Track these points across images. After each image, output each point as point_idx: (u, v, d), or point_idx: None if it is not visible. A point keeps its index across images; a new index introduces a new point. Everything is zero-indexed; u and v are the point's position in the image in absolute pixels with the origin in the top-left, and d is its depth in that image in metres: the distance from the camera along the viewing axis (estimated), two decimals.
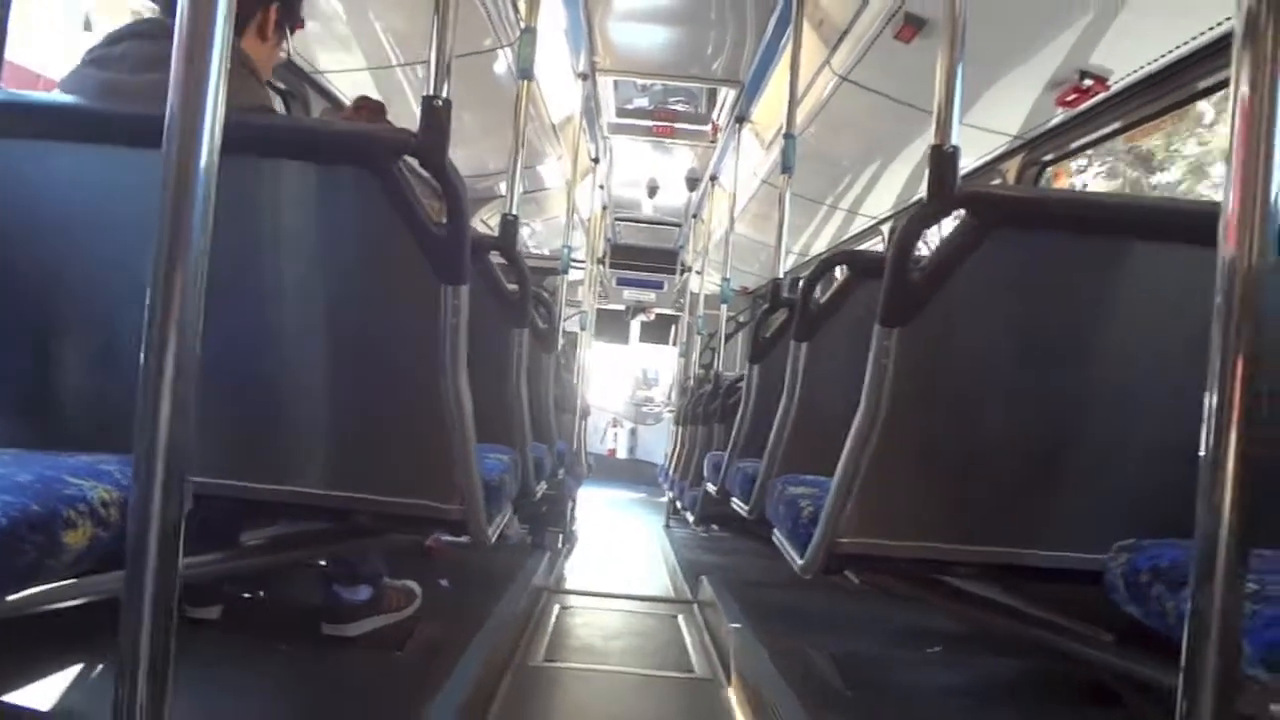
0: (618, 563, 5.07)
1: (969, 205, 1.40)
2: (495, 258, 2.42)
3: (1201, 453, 0.80)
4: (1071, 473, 1.54)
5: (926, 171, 1.41)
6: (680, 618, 3.35)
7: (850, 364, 1.66)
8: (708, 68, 5.28)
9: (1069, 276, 1.46)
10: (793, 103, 3.43)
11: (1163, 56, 2.65)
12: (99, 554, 1.02)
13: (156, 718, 0.82)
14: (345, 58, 3.93)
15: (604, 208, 7.69)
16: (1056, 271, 1.45)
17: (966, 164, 1.40)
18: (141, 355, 0.80)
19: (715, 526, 4.77)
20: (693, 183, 7.62)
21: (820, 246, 6.65)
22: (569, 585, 4.07)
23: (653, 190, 8.15)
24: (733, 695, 2.41)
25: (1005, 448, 1.53)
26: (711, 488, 3.42)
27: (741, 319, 9.39)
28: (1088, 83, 2.97)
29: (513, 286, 2.36)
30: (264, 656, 1.93)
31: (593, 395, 8.04)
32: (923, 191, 1.43)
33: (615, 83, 5.93)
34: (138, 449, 0.80)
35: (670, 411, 9.40)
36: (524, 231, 7.22)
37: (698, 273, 7.90)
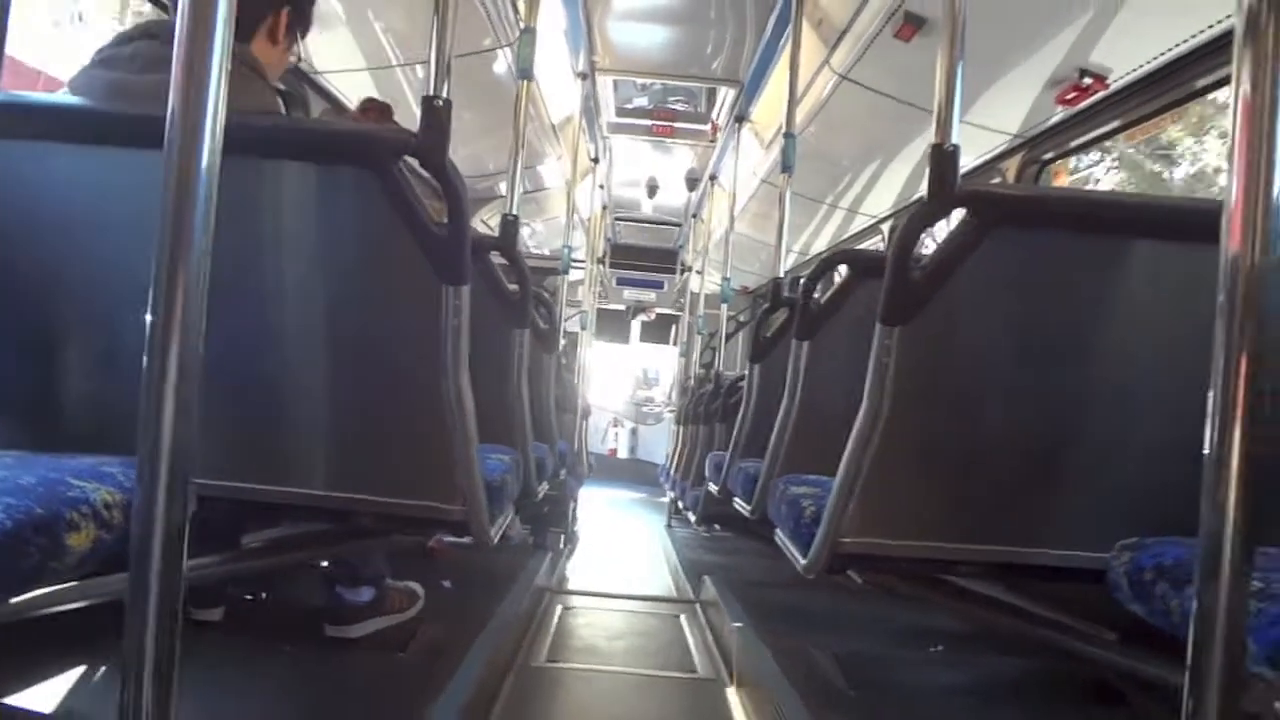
0: (620, 563, 5.07)
1: (970, 204, 1.40)
2: (496, 258, 2.42)
3: (1205, 450, 0.80)
4: (1073, 471, 1.53)
5: (927, 170, 1.41)
6: (683, 618, 3.35)
7: (851, 363, 1.66)
8: (707, 67, 5.28)
9: (1070, 275, 1.46)
10: (792, 102, 3.43)
11: (1162, 55, 2.65)
12: (102, 556, 1.02)
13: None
14: (344, 58, 3.93)
15: (604, 207, 7.69)
16: (1057, 270, 1.45)
17: (966, 162, 1.40)
18: (144, 357, 0.80)
19: (717, 526, 4.77)
20: (692, 182, 7.62)
21: (820, 245, 6.64)
22: (571, 586, 4.07)
23: (652, 190, 8.14)
24: (736, 695, 2.41)
25: (1007, 446, 1.53)
26: (713, 487, 3.42)
27: (742, 318, 9.39)
28: (1087, 81, 2.97)
29: (513, 287, 2.35)
30: (267, 658, 1.93)
31: (593, 395, 8.04)
32: (922, 190, 1.43)
33: (615, 82, 5.93)
34: (141, 451, 0.80)
35: (671, 411, 9.39)
36: (524, 232, 7.22)
37: (698, 272, 7.90)
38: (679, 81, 5.94)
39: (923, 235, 1.47)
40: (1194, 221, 1.37)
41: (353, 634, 2.13)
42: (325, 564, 2.15)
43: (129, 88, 1.45)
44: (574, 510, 5.26)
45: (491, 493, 1.63)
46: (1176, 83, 2.69)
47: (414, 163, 1.40)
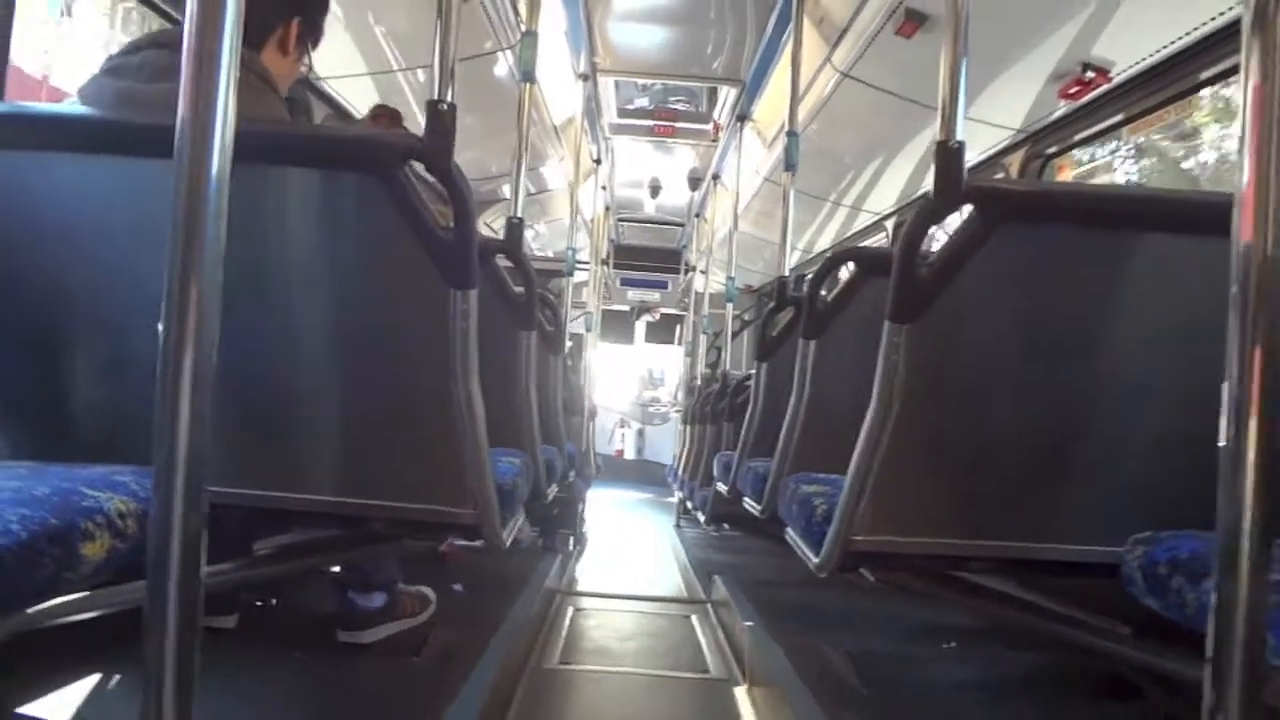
0: (629, 564, 5.07)
1: (976, 200, 1.39)
2: (501, 261, 2.42)
3: (1221, 443, 0.80)
4: (1084, 466, 1.53)
5: (931, 167, 1.41)
6: (694, 618, 3.35)
7: (858, 361, 1.66)
8: (708, 67, 5.28)
9: (1077, 269, 1.45)
10: (795, 100, 3.43)
11: (1165, 47, 2.65)
12: (116, 565, 1.02)
13: None
14: (346, 63, 3.93)
15: (607, 208, 7.69)
16: (1065, 265, 1.45)
17: (969, 158, 1.40)
18: (158, 366, 0.80)
19: (726, 526, 4.76)
20: (695, 182, 7.62)
21: (824, 243, 6.64)
22: (581, 587, 4.07)
23: (655, 190, 8.15)
24: (748, 694, 2.40)
25: (1018, 442, 1.53)
26: (722, 487, 3.42)
27: (746, 317, 9.40)
28: (1090, 75, 2.97)
29: (518, 289, 2.36)
30: (280, 665, 1.94)
31: (599, 396, 8.04)
32: (926, 186, 1.42)
33: (616, 83, 5.93)
34: (157, 459, 0.80)
35: (677, 411, 9.40)
36: (528, 234, 7.22)
37: (702, 272, 7.91)
38: (680, 81, 5.94)
39: (929, 232, 1.46)
40: (1203, 214, 1.37)
41: (365, 639, 2.13)
42: (336, 569, 2.15)
43: (138, 96, 1.46)
44: (582, 512, 5.26)
45: (503, 496, 1.63)
46: (1180, 75, 2.69)
47: (419, 167, 1.40)
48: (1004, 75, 3.20)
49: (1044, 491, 1.54)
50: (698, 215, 8.11)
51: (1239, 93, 0.82)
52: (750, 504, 2.70)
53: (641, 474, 10.11)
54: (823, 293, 2.37)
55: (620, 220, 9.34)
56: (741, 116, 5.46)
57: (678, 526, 6.07)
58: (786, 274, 3.15)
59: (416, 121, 3.58)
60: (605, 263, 8.36)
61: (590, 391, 6.07)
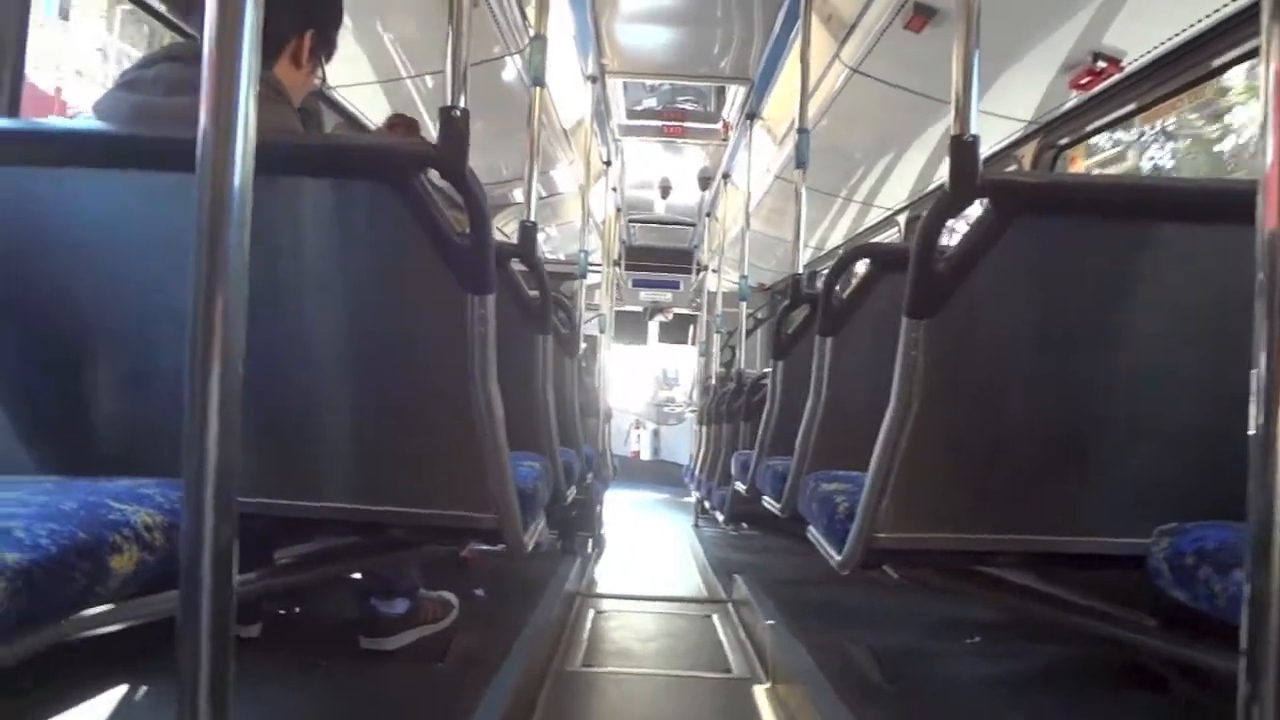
0: (648, 564, 5.07)
1: (992, 194, 1.39)
2: (515, 265, 2.42)
3: (1251, 432, 0.79)
4: (1107, 458, 1.52)
5: (944, 161, 1.40)
6: (715, 617, 3.34)
7: (875, 358, 1.66)
8: (716, 66, 5.28)
9: (1095, 261, 1.45)
10: (804, 97, 3.43)
11: (1177, 35, 2.63)
12: (145, 578, 1.03)
13: None
14: (355, 72, 3.95)
15: (618, 210, 7.69)
16: (1082, 256, 1.45)
17: (981, 151, 1.40)
18: (186, 378, 0.81)
19: (745, 525, 4.76)
20: (705, 181, 7.61)
21: (836, 239, 6.63)
22: (601, 589, 4.07)
23: (665, 190, 8.15)
24: (772, 693, 2.40)
25: (1039, 435, 1.52)
26: (741, 486, 3.42)
27: (760, 315, 9.38)
28: (1101, 64, 2.95)
29: (533, 293, 2.36)
30: (304, 673, 1.94)
31: (614, 398, 8.05)
32: (937, 181, 1.43)
33: (624, 85, 5.94)
34: (187, 471, 0.81)
35: (692, 411, 9.39)
36: (539, 237, 7.23)
37: (714, 271, 7.90)
38: (689, 81, 5.94)
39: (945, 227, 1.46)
40: (1223, 202, 1.36)
41: (388, 646, 2.13)
42: (358, 576, 2.15)
43: (154, 110, 1.47)
44: (600, 514, 5.26)
45: (524, 500, 1.63)
46: (1194, 62, 2.67)
47: (432, 174, 1.40)
48: (1015, 67, 3.19)
49: (1067, 484, 1.53)
50: (709, 214, 8.10)
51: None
52: (770, 503, 2.70)
53: (658, 474, 10.10)
54: (837, 289, 2.37)
55: (631, 221, 9.34)
56: (751, 115, 5.45)
57: (696, 526, 6.07)
58: (801, 272, 3.14)
59: (427, 127, 3.60)
60: (617, 264, 8.37)
61: (605, 393, 6.07)
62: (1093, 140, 3.56)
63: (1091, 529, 1.53)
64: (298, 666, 1.97)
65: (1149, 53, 2.77)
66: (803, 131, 3.38)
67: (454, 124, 1.45)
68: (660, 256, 10.04)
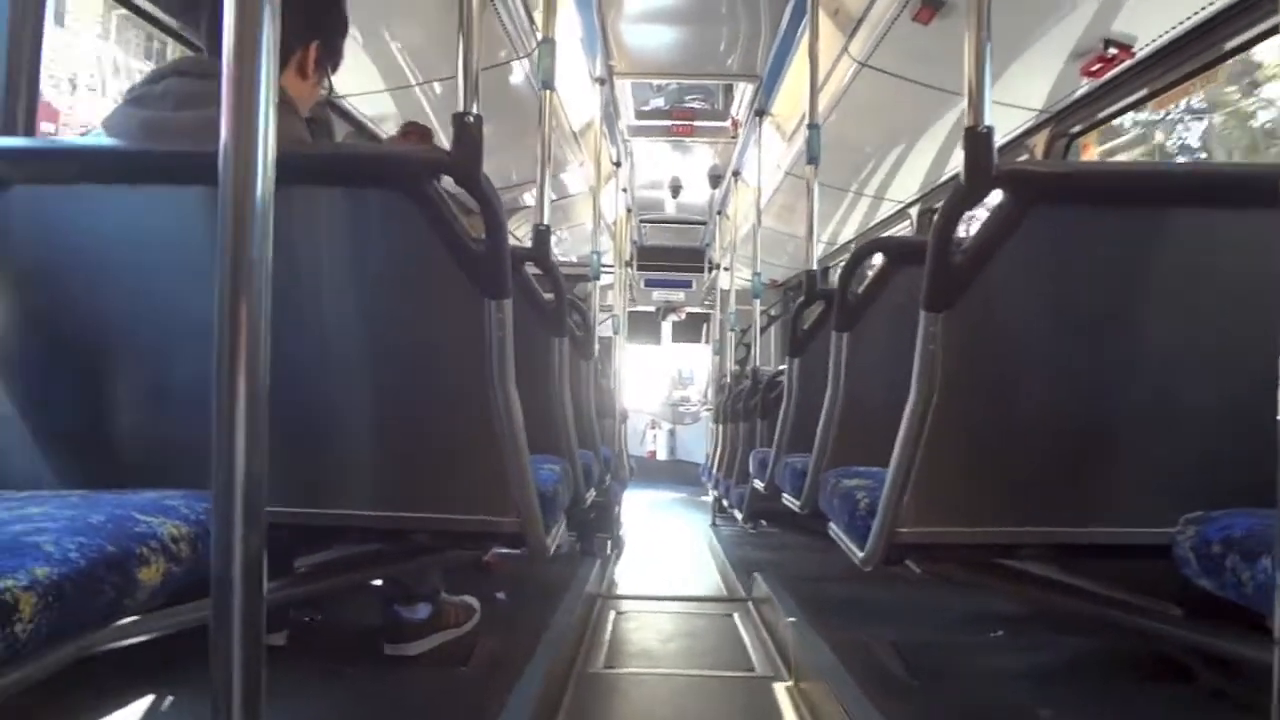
0: (668, 564, 5.07)
1: (1007, 184, 1.39)
2: (529, 268, 2.43)
3: (1278, 416, 0.78)
4: (1129, 448, 1.51)
5: (955, 152, 1.40)
6: (736, 616, 3.34)
7: (892, 352, 1.65)
8: (724, 64, 5.27)
9: (1113, 248, 1.44)
10: (814, 92, 3.41)
11: (1188, 19, 2.62)
12: (171, 589, 1.03)
13: None
14: (365, 80, 3.96)
15: (628, 210, 7.70)
16: (1100, 244, 1.44)
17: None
18: (213, 390, 0.81)
19: (764, 523, 4.75)
20: (715, 179, 7.61)
21: (848, 234, 6.62)
22: (621, 590, 4.07)
23: (676, 190, 8.15)
24: (795, 690, 2.40)
25: (1061, 427, 1.52)
26: (759, 484, 3.41)
27: (773, 312, 9.37)
28: (1112, 51, 2.94)
29: (547, 296, 2.36)
30: (330, 680, 1.95)
31: (630, 398, 8.05)
32: (949, 172, 1.42)
33: (631, 85, 5.94)
34: (216, 482, 0.81)
35: (708, 410, 9.39)
36: (551, 240, 7.24)
37: (726, 269, 7.89)
38: (697, 80, 5.93)
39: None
40: (1243, 186, 1.35)
41: (411, 651, 2.14)
42: (379, 582, 2.16)
43: (164, 125, 1.47)
44: (619, 515, 5.27)
45: (545, 503, 1.64)
46: (1205, 45, 2.65)
47: (446, 180, 1.40)
48: (1025, 55, 3.17)
49: (1090, 475, 1.52)
50: (719, 212, 8.10)
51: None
52: (789, 500, 2.69)
53: (675, 474, 10.11)
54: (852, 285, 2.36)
55: (642, 221, 9.34)
56: (760, 111, 5.45)
57: (714, 525, 6.06)
58: (815, 268, 3.13)
59: (435, 133, 3.61)
60: (629, 265, 8.37)
61: (621, 394, 6.08)
62: (1115, 121, 3.52)
63: (1115, 519, 1.52)
64: (323, 673, 1.98)
65: (1161, 37, 2.75)
66: (813, 127, 3.37)
67: (467, 130, 1.45)
68: (672, 256, 10.04)
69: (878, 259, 2.34)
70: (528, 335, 2.02)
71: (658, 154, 7.33)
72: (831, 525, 1.94)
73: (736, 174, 6.74)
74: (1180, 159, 4.17)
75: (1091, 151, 3.80)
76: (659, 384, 11.03)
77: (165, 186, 1.34)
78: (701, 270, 10.00)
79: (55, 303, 1.43)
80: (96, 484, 1.29)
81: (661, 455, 10.68)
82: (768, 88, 5.18)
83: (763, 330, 7.90)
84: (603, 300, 7.52)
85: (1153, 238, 1.42)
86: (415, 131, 3.08)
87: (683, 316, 10.52)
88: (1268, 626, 0.81)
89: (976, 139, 1.39)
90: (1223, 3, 2.45)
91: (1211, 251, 1.42)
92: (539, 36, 3.10)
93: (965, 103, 1.42)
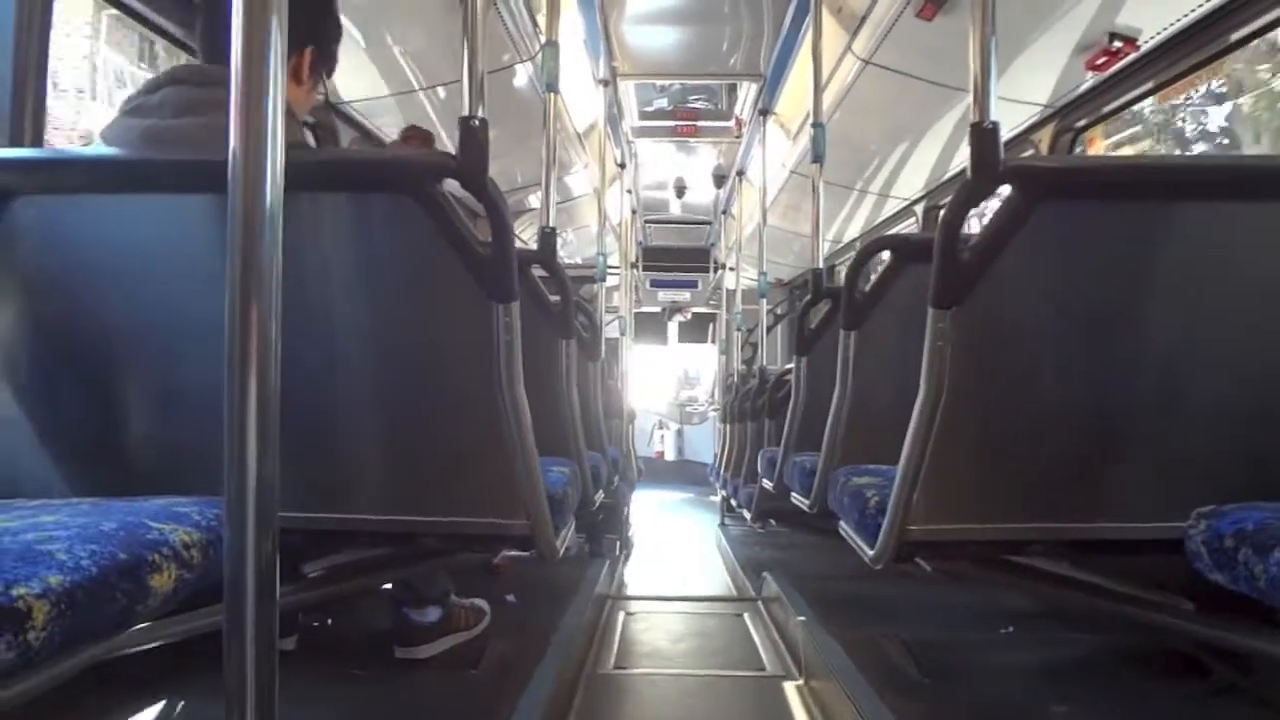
0: (677, 565, 5.07)
1: (1014, 180, 1.38)
2: (536, 271, 2.43)
3: None
4: (1140, 443, 1.51)
5: (960, 149, 1.40)
6: (746, 615, 3.34)
7: (900, 349, 1.65)
8: (727, 64, 5.28)
9: (1121, 243, 1.43)
10: (818, 91, 3.41)
11: (1193, 10, 2.61)
12: (182, 596, 1.04)
13: None
14: (370, 86, 3.97)
15: (634, 212, 7.70)
16: (1108, 239, 1.43)
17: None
18: (225, 397, 0.82)
19: (772, 522, 4.75)
20: (720, 179, 7.61)
21: (853, 232, 6.61)
22: (631, 591, 4.08)
23: (681, 190, 8.15)
24: (806, 689, 2.39)
25: (1071, 422, 1.51)
26: (768, 483, 3.41)
27: (779, 311, 9.36)
28: (1117, 44, 2.93)
29: (554, 298, 2.36)
30: (341, 684, 1.96)
31: (636, 399, 8.06)
32: (954, 169, 1.42)
33: (635, 86, 5.94)
34: (228, 489, 0.82)
35: (715, 410, 9.39)
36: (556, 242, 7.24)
37: (731, 269, 7.89)
38: (701, 80, 5.93)
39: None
40: (1252, 179, 1.35)
41: (422, 654, 2.15)
42: (389, 586, 2.16)
43: (163, 134, 1.47)
44: (627, 515, 5.27)
45: (554, 505, 1.64)
46: (1211, 37, 2.65)
47: (452, 184, 1.40)
48: (1029, 50, 3.17)
49: (1100, 470, 1.51)
50: (724, 212, 8.09)
51: None
52: (798, 499, 2.69)
53: (683, 474, 10.11)
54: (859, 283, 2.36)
55: (647, 222, 9.35)
56: (764, 111, 5.45)
57: (722, 525, 6.06)
58: (821, 266, 3.13)
59: (439, 138, 3.61)
60: (635, 266, 8.37)
61: (628, 395, 6.08)
62: (1132, 109, 3.51)
63: (1126, 514, 1.51)
64: (334, 678, 1.98)
65: (1166, 29, 2.75)
66: (818, 125, 3.37)
67: (473, 134, 1.45)
68: (677, 256, 10.05)
69: (884, 256, 2.34)
70: (535, 337, 2.02)
71: (662, 155, 7.34)
72: (841, 524, 1.94)
73: (741, 173, 6.74)
74: (1199, 146, 4.12)
75: (1098, 145, 3.79)
76: (666, 384, 11.03)
77: (173, 195, 1.35)
78: (707, 270, 10.00)
79: (64, 312, 1.43)
80: (108, 492, 1.29)
81: (669, 455, 10.68)
82: (771, 87, 5.18)
83: (769, 329, 7.89)
84: (609, 301, 7.53)
85: (1161, 232, 1.42)
86: (416, 136, 3.08)
87: (689, 317, 10.52)
88: None
89: (982, 135, 1.38)
90: None
91: (1221, 245, 1.41)
92: (542, 39, 3.10)
93: (970, 98, 1.42)
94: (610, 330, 7.25)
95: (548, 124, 3.02)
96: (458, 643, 2.22)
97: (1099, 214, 1.41)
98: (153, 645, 1.14)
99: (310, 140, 1.74)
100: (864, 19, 3.64)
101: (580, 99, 5.16)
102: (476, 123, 1.46)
